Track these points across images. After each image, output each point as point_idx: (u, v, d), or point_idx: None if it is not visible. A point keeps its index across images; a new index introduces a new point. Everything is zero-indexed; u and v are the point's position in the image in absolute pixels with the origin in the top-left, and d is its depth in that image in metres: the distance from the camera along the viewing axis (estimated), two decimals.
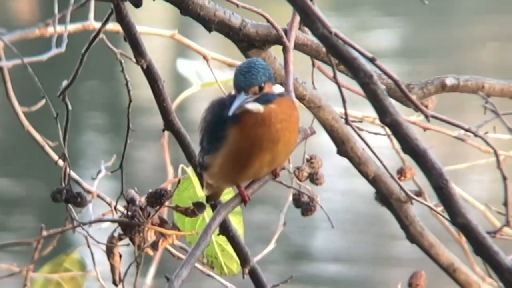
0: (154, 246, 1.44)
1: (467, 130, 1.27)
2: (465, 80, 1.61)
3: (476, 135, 1.32)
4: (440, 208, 1.50)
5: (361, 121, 1.90)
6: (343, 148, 1.46)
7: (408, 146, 1.12)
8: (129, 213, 1.43)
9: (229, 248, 1.71)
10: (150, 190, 1.46)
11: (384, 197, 1.46)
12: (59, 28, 1.86)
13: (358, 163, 1.45)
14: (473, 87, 1.61)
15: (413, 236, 1.46)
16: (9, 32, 1.84)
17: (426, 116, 1.18)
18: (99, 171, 1.78)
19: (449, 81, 1.61)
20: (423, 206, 1.44)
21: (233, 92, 1.27)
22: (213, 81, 1.91)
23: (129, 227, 1.43)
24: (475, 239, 1.09)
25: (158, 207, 1.44)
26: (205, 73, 1.98)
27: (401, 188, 1.39)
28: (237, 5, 1.38)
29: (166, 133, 1.54)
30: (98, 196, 1.80)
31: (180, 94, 1.99)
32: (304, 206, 1.87)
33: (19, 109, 1.85)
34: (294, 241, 4.09)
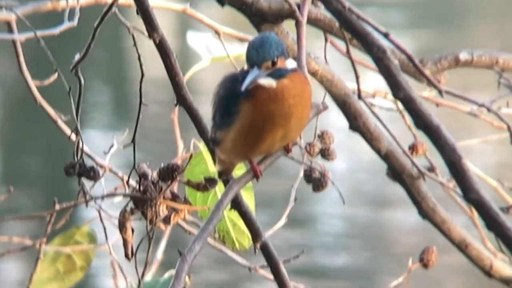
0: (166, 220, 1.44)
1: (481, 105, 1.27)
2: (479, 55, 1.60)
3: (489, 110, 1.32)
4: (452, 184, 1.50)
5: (373, 97, 1.90)
6: (356, 123, 1.45)
7: (421, 121, 1.12)
8: (141, 187, 1.44)
9: (240, 223, 1.72)
10: (162, 165, 1.46)
11: (396, 173, 1.46)
12: (72, 2, 1.85)
13: (370, 139, 1.45)
14: (487, 62, 1.60)
15: (425, 212, 1.46)
16: (21, 4, 1.83)
17: (440, 91, 1.17)
18: (112, 146, 1.78)
19: (463, 56, 1.60)
20: (437, 183, 1.44)
21: (245, 67, 1.26)
22: (224, 55, 1.90)
23: (141, 201, 1.43)
24: (488, 215, 1.09)
25: (170, 182, 1.44)
26: (215, 46, 1.96)
27: (413, 163, 1.39)
28: None
29: (177, 108, 1.54)
30: (111, 170, 1.80)
31: (190, 70, 1.98)
32: (316, 181, 1.87)
33: (32, 83, 1.85)
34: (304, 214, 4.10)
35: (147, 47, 1.48)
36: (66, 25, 1.76)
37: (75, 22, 1.78)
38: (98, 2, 1.92)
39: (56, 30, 1.75)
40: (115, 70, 5.72)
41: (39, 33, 1.68)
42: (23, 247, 1.92)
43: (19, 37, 1.78)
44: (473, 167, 1.89)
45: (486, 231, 1.13)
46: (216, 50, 1.95)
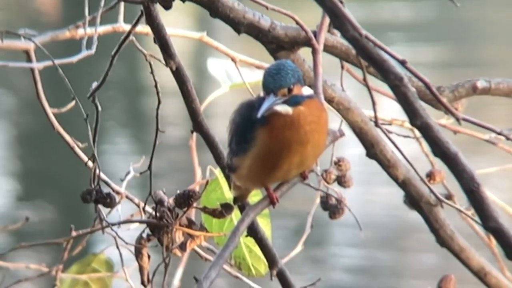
0: (182, 247, 1.44)
1: (499, 133, 1.26)
2: (497, 83, 1.59)
3: (508, 138, 1.31)
4: (470, 212, 1.49)
5: (390, 124, 1.89)
6: (372, 150, 1.45)
7: (439, 149, 1.11)
8: (158, 214, 1.44)
9: (256, 249, 1.71)
10: (178, 191, 1.46)
11: (413, 200, 1.45)
12: (89, 30, 1.87)
13: (387, 166, 1.44)
14: (505, 90, 1.59)
15: (443, 240, 1.45)
16: (40, 33, 1.85)
17: (458, 119, 1.17)
18: (128, 172, 1.79)
19: (480, 83, 1.59)
20: (453, 210, 1.43)
21: (261, 94, 1.27)
22: (242, 82, 1.91)
23: (157, 228, 1.43)
24: (507, 243, 1.08)
25: (186, 208, 1.44)
26: (235, 73, 1.97)
27: (431, 191, 1.38)
28: (267, 7, 1.38)
29: (194, 134, 1.54)
30: (127, 197, 1.80)
31: (206, 97, 1.99)
32: (332, 208, 1.87)
33: (49, 110, 1.86)
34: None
35: (166, 73, 1.49)
36: (84, 53, 1.78)
37: (93, 50, 1.79)
38: (115, 30, 1.93)
39: (74, 59, 1.77)
40: (132, 93, 5.75)
41: (57, 61, 1.70)
42: (40, 274, 1.92)
43: (37, 65, 1.79)
44: (491, 195, 1.88)
45: (504, 260, 1.12)
46: (236, 76, 1.95)
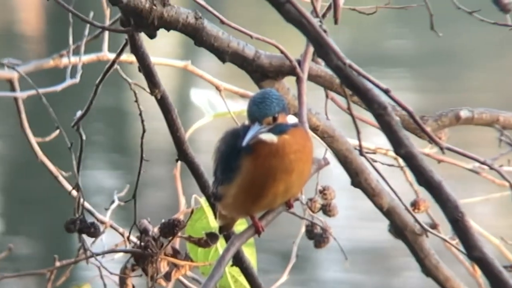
0: (167, 277, 1.43)
1: (482, 163, 1.27)
2: (480, 113, 1.61)
3: (491, 168, 1.32)
4: (455, 241, 1.49)
5: (374, 153, 1.90)
6: (357, 179, 1.45)
7: (423, 178, 1.11)
8: (142, 243, 1.43)
9: (242, 279, 1.70)
10: (163, 221, 1.45)
11: (398, 229, 1.45)
12: (74, 59, 1.87)
13: (372, 195, 1.44)
14: (487, 119, 1.60)
15: (428, 269, 1.45)
16: (24, 62, 1.85)
17: (441, 148, 1.17)
18: (112, 201, 1.78)
19: (464, 113, 1.60)
20: (438, 239, 1.43)
21: (246, 123, 1.27)
22: (226, 112, 1.91)
23: (142, 257, 1.42)
24: (491, 273, 1.08)
25: (171, 237, 1.43)
26: (219, 103, 1.97)
27: (416, 220, 1.38)
28: (251, 36, 1.39)
29: (179, 163, 1.54)
30: (111, 226, 1.79)
31: (191, 124, 1.99)
32: (317, 237, 1.86)
33: (33, 139, 1.85)
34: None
35: (151, 101, 1.49)
36: (68, 82, 1.78)
37: (77, 79, 1.79)
38: (100, 59, 1.94)
39: (58, 87, 1.77)
40: (117, 120, 5.74)
41: (41, 90, 1.69)
42: None
43: (21, 94, 1.79)
44: (475, 225, 1.88)
45: None
46: (220, 106, 1.96)
